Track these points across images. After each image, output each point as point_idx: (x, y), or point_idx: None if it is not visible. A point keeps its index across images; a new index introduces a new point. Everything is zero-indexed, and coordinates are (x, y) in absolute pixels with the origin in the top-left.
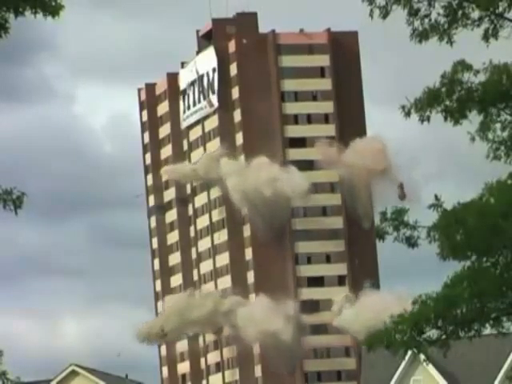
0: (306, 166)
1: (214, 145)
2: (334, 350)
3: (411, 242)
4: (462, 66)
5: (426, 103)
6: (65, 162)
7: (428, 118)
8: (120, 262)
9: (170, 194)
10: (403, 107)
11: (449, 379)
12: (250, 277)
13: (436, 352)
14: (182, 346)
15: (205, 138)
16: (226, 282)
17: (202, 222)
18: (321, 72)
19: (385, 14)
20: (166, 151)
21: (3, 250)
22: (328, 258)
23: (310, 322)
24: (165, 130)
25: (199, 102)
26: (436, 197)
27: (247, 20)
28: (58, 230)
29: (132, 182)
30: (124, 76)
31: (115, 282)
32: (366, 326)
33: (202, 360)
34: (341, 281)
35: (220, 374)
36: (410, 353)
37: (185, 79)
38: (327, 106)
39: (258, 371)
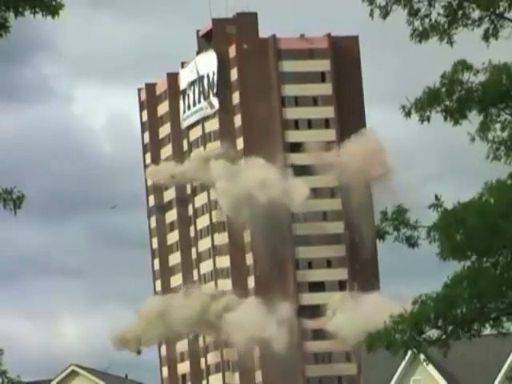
0: (306, 170)
1: (215, 147)
2: (334, 355)
3: (411, 242)
4: (462, 65)
5: (426, 103)
6: (65, 162)
7: (428, 118)
8: (120, 262)
9: (169, 194)
10: (403, 107)
11: (449, 379)
12: (251, 281)
13: (436, 352)
14: (182, 346)
15: (205, 139)
16: (226, 284)
17: (202, 222)
18: (321, 77)
19: (385, 13)
20: (166, 151)
21: (3, 250)
22: (329, 263)
23: (311, 327)
24: (165, 130)
25: (199, 102)
26: (436, 197)
27: (247, 20)
28: (58, 230)
29: (132, 182)
30: (124, 76)
31: (115, 281)
32: (357, 330)
33: (202, 360)
34: (341, 286)
35: (220, 375)
36: (410, 353)
37: (185, 79)
38: (328, 111)
39: (258, 376)
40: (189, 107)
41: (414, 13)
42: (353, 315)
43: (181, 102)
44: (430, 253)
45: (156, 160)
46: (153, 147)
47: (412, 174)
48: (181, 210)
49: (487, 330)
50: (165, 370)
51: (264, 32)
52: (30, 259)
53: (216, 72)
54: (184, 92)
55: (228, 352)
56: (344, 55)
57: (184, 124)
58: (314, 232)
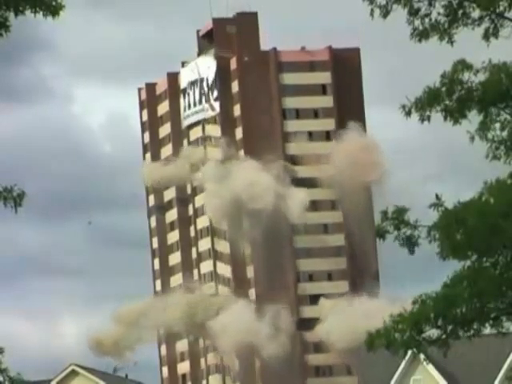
0: (306, 183)
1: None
2: (335, 368)
3: (412, 242)
4: (462, 65)
5: (427, 103)
6: (65, 162)
7: (428, 118)
8: (120, 262)
9: (170, 194)
10: (404, 107)
11: (449, 379)
12: (252, 294)
13: (436, 352)
14: (182, 345)
15: (205, 139)
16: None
17: (202, 222)
18: (322, 89)
19: (385, 13)
20: (167, 151)
21: (3, 250)
22: (330, 276)
23: (311, 340)
24: (165, 130)
25: (200, 103)
26: (437, 196)
27: (248, 20)
28: (58, 230)
29: (132, 182)
30: (124, 76)
31: (115, 281)
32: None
33: (202, 360)
34: None
35: (220, 375)
36: (409, 352)
37: (186, 77)
38: (328, 123)
39: None
40: (189, 106)
41: (414, 12)
42: (344, 319)
43: (181, 100)
44: (430, 253)
45: (156, 160)
46: (153, 147)
47: (412, 174)
48: (181, 210)
49: (487, 330)
50: (165, 369)
51: (264, 32)
52: (30, 259)
53: (217, 80)
54: (184, 91)
55: (227, 359)
56: (345, 67)
57: (184, 123)
58: (314, 245)
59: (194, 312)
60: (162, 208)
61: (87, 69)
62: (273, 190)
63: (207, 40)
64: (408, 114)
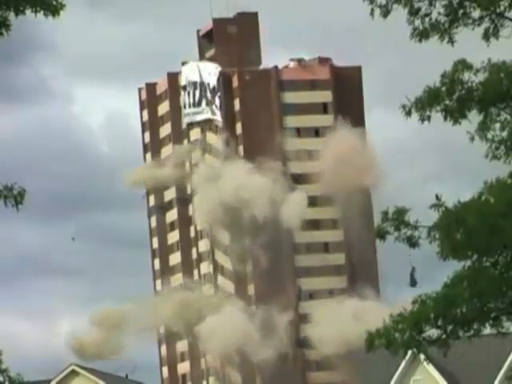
0: (308, 201)
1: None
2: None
3: (412, 242)
4: (463, 65)
5: (427, 102)
6: (65, 162)
7: (428, 118)
8: (120, 262)
9: (170, 194)
10: (404, 106)
11: (449, 379)
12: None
13: (436, 352)
14: (182, 346)
15: (205, 140)
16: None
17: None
18: (323, 108)
19: (385, 13)
20: (167, 151)
21: (3, 250)
22: (331, 294)
23: (313, 358)
24: (165, 130)
25: (199, 105)
26: (437, 196)
27: (248, 20)
28: (58, 230)
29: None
30: (124, 76)
31: (115, 281)
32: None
33: (203, 360)
34: None
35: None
36: (410, 353)
37: (186, 76)
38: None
39: None
40: (189, 105)
41: (414, 12)
42: (332, 322)
43: (181, 97)
44: (430, 253)
45: (156, 159)
46: (153, 147)
47: (412, 174)
48: (181, 210)
49: (487, 330)
50: (165, 370)
51: (264, 31)
52: (30, 259)
53: (219, 90)
54: (185, 88)
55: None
56: (346, 86)
57: (185, 121)
58: (316, 263)
59: (187, 312)
60: (162, 208)
61: (87, 69)
62: (272, 202)
63: (207, 40)
64: (408, 113)
